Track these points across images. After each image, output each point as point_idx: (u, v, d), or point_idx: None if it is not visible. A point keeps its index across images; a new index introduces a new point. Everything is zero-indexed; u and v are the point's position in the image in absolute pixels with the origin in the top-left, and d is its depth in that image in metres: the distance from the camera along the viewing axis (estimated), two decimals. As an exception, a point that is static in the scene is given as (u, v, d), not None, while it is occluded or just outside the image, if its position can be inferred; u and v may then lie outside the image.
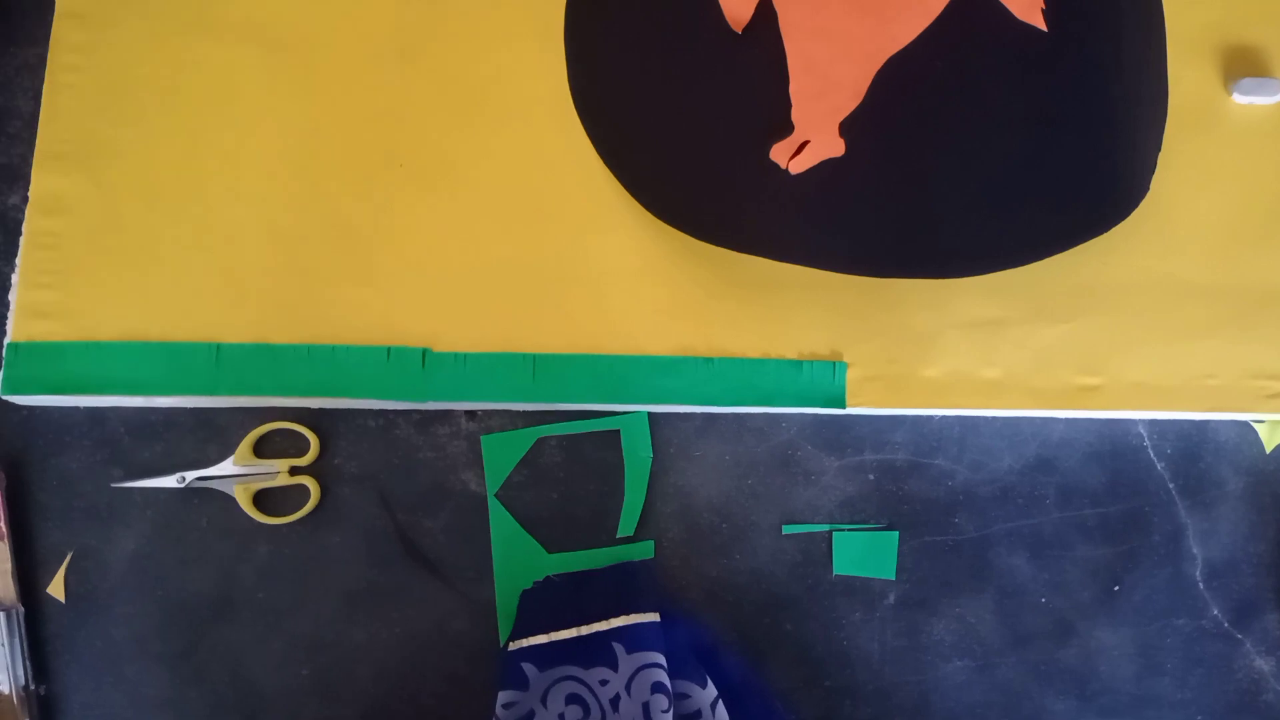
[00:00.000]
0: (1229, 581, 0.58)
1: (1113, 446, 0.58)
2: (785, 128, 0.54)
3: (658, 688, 0.51)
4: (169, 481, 0.55)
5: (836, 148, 0.54)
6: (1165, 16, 0.58)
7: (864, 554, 0.57)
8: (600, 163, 0.58)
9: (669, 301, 0.57)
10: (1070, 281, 0.58)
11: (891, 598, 0.57)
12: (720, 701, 0.53)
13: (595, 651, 0.52)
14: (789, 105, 0.54)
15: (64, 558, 0.55)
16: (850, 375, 0.57)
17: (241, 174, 0.58)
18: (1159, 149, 0.57)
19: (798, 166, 0.54)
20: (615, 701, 0.51)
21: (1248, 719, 0.57)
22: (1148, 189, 0.56)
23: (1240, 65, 0.61)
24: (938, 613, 0.57)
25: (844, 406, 0.56)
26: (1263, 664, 0.57)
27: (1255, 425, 0.59)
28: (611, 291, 0.58)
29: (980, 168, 0.53)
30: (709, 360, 0.57)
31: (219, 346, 0.55)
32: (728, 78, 0.56)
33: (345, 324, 0.56)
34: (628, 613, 0.53)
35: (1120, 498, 0.58)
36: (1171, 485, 0.58)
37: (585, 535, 0.56)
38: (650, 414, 0.58)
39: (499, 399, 0.56)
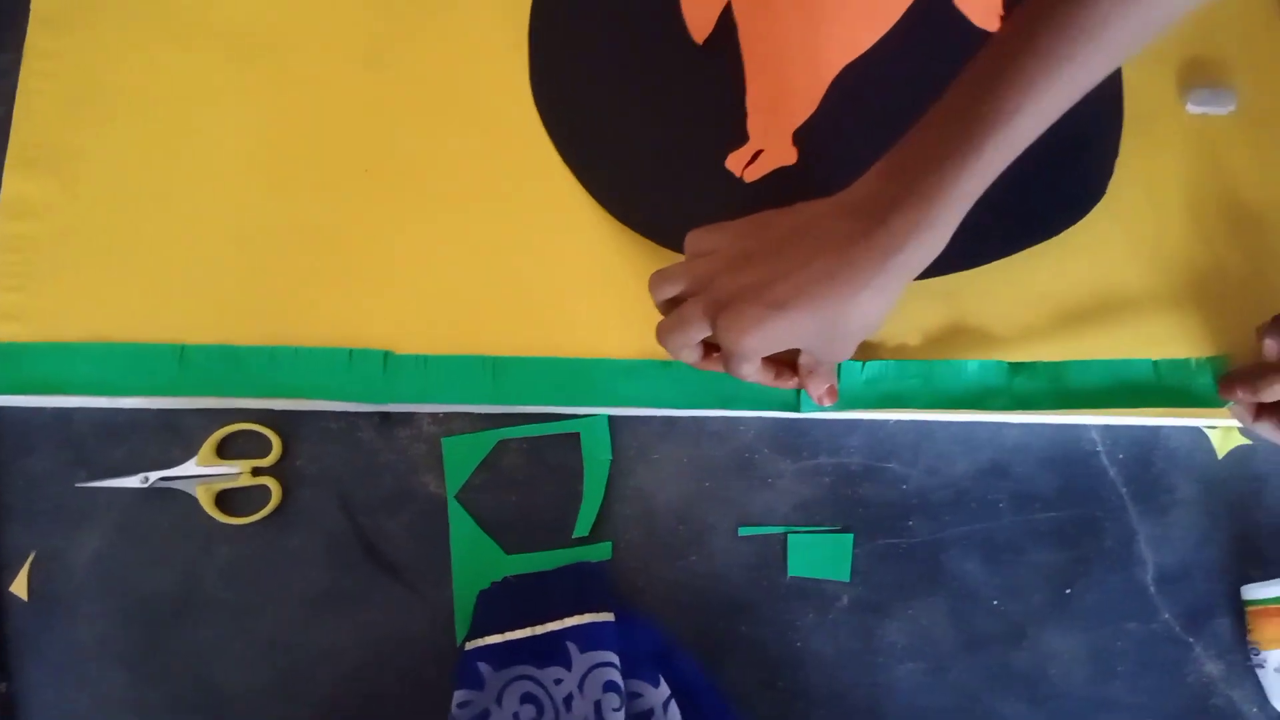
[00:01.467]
0: (1180, 586, 0.58)
1: (1065, 452, 0.59)
2: (742, 136, 0.55)
3: (610, 686, 0.51)
4: (133, 482, 0.56)
5: (789, 156, 0.55)
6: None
7: (819, 556, 0.57)
8: (564, 167, 0.59)
9: (630, 305, 0.58)
10: (1026, 287, 0.59)
11: (845, 600, 0.57)
12: (673, 701, 0.53)
13: (549, 651, 0.53)
14: (746, 115, 0.55)
15: (27, 557, 0.56)
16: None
17: (208, 179, 0.59)
18: (1115, 155, 0.58)
19: (751, 175, 0.55)
20: (568, 700, 0.52)
21: (1198, 722, 0.58)
22: (1104, 193, 0.57)
23: (1194, 75, 0.62)
24: (891, 615, 0.57)
25: (798, 410, 0.57)
26: (1213, 668, 0.58)
27: (1208, 431, 0.60)
28: (573, 295, 0.58)
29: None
30: (668, 364, 0.57)
31: (183, 348, 0.56)
32: (689, 87, 0.57)
33: (308, 326, 0.57)
34: (582, 612, 0.53)
35: (1073, 503, 0.59)
36: (1124, 490, 0.59)
37: (544, 537, 0.57)
38: (610, 417, 0.58)
39: (459, 401, 0.57)
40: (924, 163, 0.41)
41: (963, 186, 0.41)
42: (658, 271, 0.48)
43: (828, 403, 0.53)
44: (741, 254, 0.45)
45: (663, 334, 0.48)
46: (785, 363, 0.52)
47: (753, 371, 0.48)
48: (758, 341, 0.43)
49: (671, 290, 0.47)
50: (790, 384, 0.52)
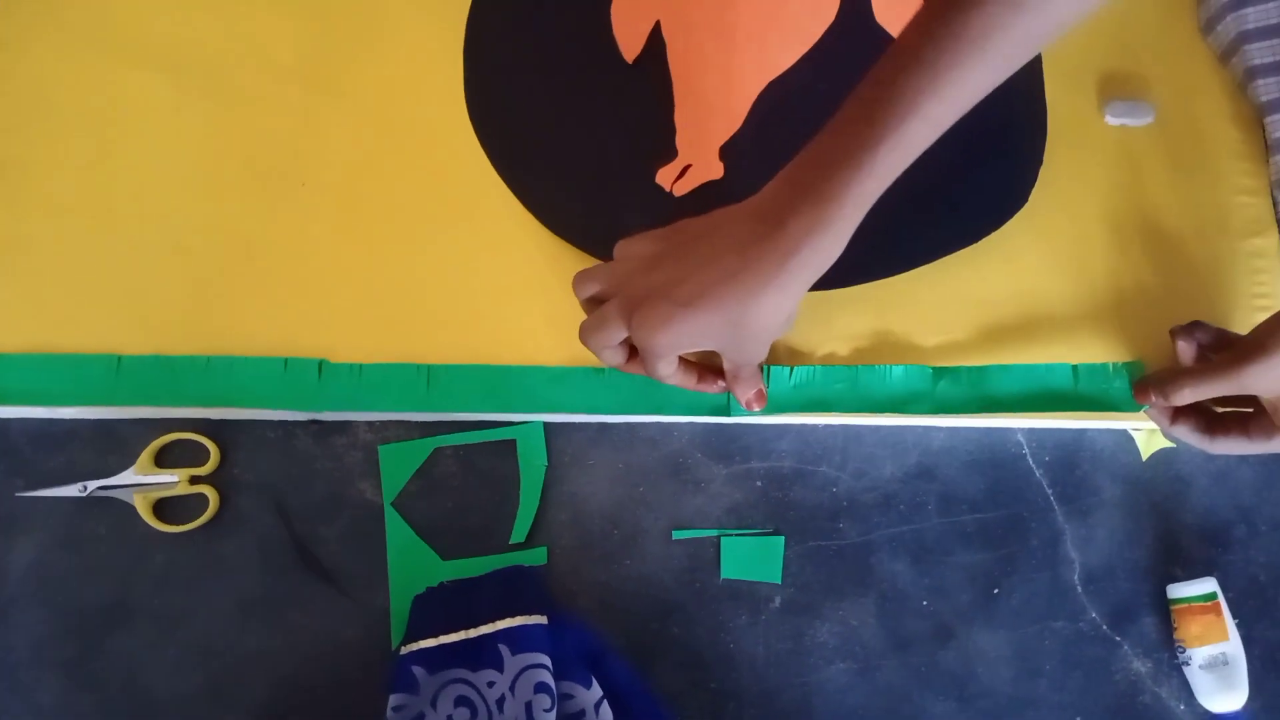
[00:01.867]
0: (1106, 585, 0.60)
1: (992, 455, 0.60)
2: (671, 152, 0.57)
3: (541, 688, 0.52)
4: (71, 491, 0.57)
5: (715, 171, 0.56)
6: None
7: (750, 559, 0.58)
8: (498, 180, 0.60)
9: (562, 313, 0.59)
10: (950, 294, 0.60)
11: (777, 602, 0.58)
12: (605, 702, 0.54)
13: (482, 653, 0.53)
14: (674, 131, 0.57)
15: (-35, 566, 0.56)
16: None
17: (146, 192, 0.60)
18: (1040, 164, 0.59)
19: (680, 189, 0.56)
20: (500, 702, 0.52)
21: (1125, 720, 0.59)
22: (1025, 200, 0.58)
23: (1113, 89, 0.64)
24: (821, 616, 0.58)
25: (729, 415, 0.58)
26: (1140, 665, 0.59)
27: (1133, 433, 0.61)
28: (506, 303, 0.59)
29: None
30: (600, 370, 0.58)
31: (119, 358, 0.57)
32: (620, 104, 0.58)
33: (244, 336, 0.58)
34: (514, 615, 0.54)
35: (1000, 504, 0.60)
36: (1050, 492, 0.60)
37: (479, 543, 0.58)
38: (545, 424, 0.59)
39: (394, 409, 0.58)
40: (820, 169, 0.43)
41: (856, 190, 0.42)
42: (581, 271, 0.49)
43: (756, 408, 0.54)
44: (656, 256, 0.46)
45: (584, 333, 0.49)
46: (708, 366, 0.53)
47: (671, 373, 0.49)
48: (667, 338, 0.45)
49: (592, 289, 0.49)
50: (714, 388, 0.53)
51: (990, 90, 0.42)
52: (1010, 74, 0.42)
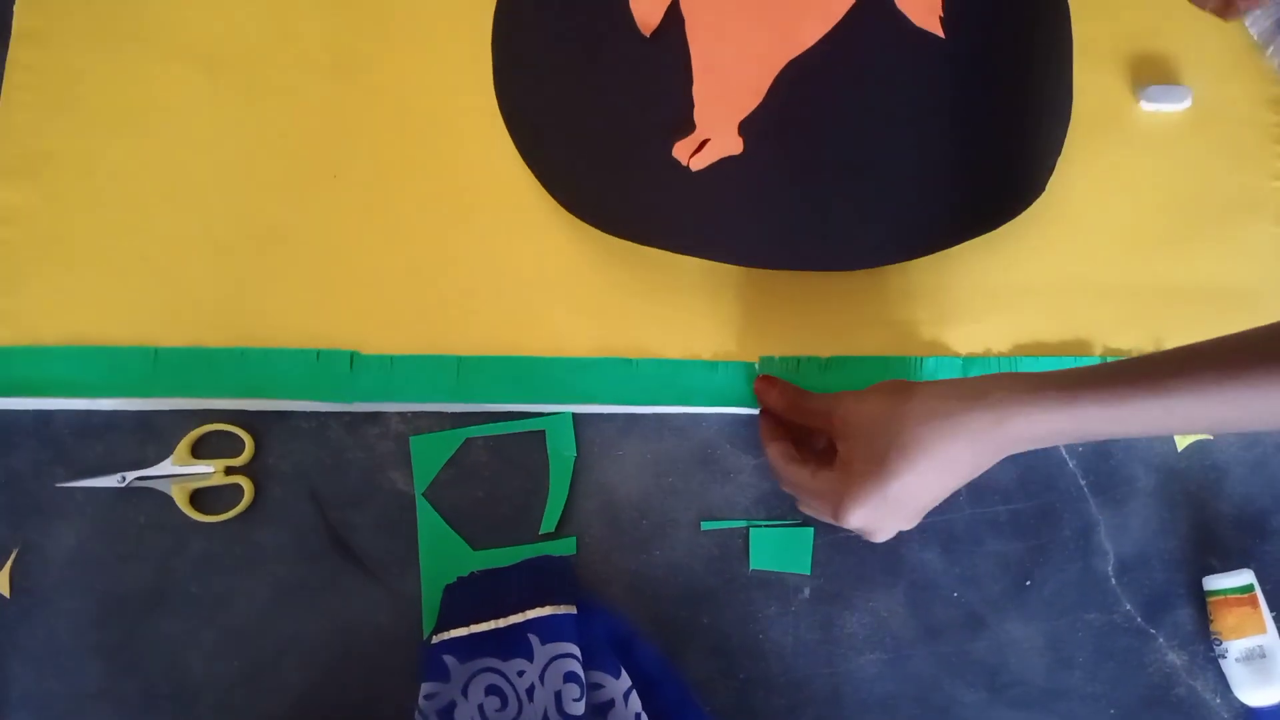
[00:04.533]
0: (1140, 576, 0.59)
1: (1023, 444, 0.59)
2: (689, 126, 0.57)
3: (570, 677, 0.52)
4: (110, 481, 0.58)
5: (735, 146, 0.56)
6: (1073, 26, 0.60)
7: (780, 549, 0.58)
8: (524, 166, 0.61)
9: (591, 303, 0.60)
10: (978, 282, 0.60)
11: (806, 592, 0.58)
12: (634, 692, 0.54)
13: (512, 643, 0.54)
14: (692, 105, 0.57)
15: (10, 554, 0.57)
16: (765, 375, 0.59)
17: (181, 185, 0.61)
18: (1058, 152, 0.59)
19: (698, 164, 0.56)
20: (530, 691, 0.53)
21: (1159, 712, 0.58)
22: (1043, 189, 0.58)
23: (1148, 73, 0.63)
24: (851, 606, 0.58)
25: (756, 406, 0.58)
26: (1175, 658, 0.58)
27: (1167, 423, 0.60)
28: (536, 294, 0.60)
29: (875, 166, 0.55)
30: (630, 360, 0.59)
31: (157, 350, 0.58)
32: (637, 79, 0.58)
33: (278, 328, 0.59)
34: (544, 605, 0.54)
35: (1032, 494, 0.59)
36: (1083, 482, 0.60)
37: (509, 532, 0.58)
38: (574, 414, 0.59)
39: (425, 399, 0.58)
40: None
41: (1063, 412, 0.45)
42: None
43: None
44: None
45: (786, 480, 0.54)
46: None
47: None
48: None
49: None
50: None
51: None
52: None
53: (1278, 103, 0.63)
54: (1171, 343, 0.59)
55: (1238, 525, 0.59)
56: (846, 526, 0.49)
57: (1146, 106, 0.62)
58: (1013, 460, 0.57)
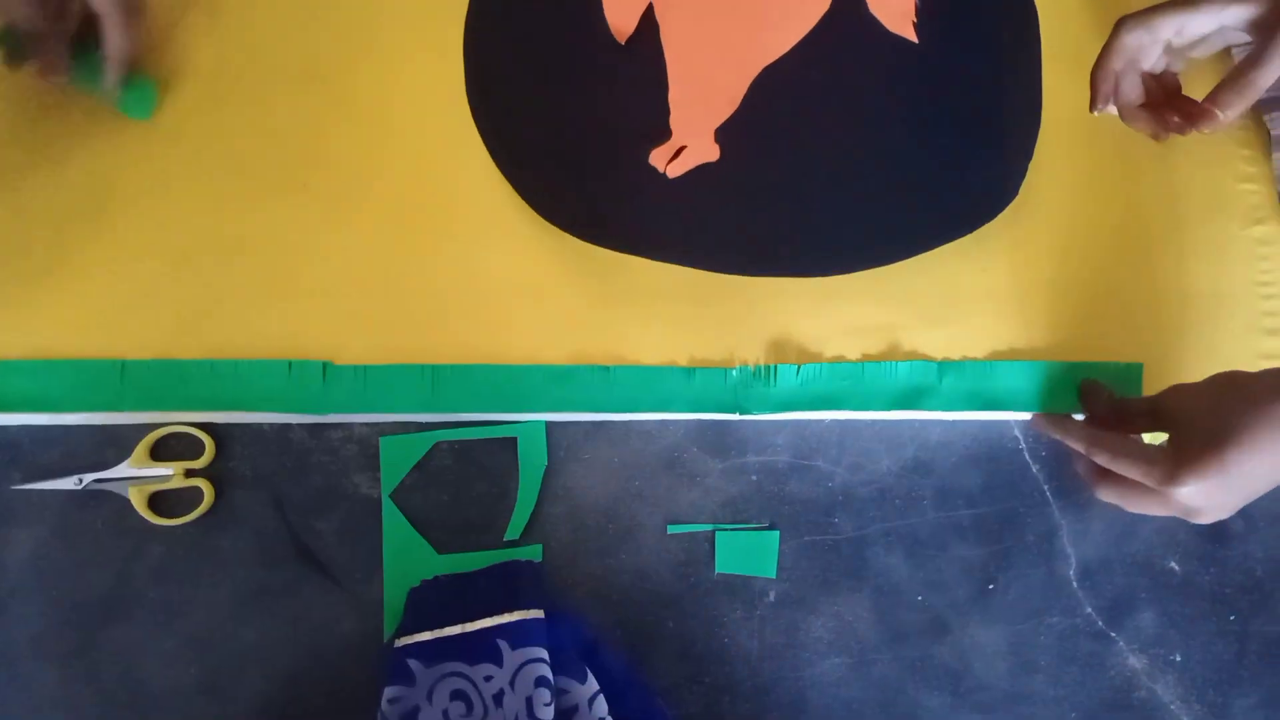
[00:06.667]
0: (1102, 581, 0.59)
1: (989, 449, 0.60)
2: (665, 134, 0.56)
3: (541, 682, 0.52)
4: (67, 483, 0.57)
5: (711, 153, 0.56)
6: (1041, 32, 0.60)
7: (745, 553, 0.58)
8: (498, 173, 0.60)
9: (567, 310, 0.59)
10: (953, 287, 0.60)
11: (771, 596, 0.58)
12: (600, 697, 0.54)
13: (480, 648, 0.54)
14: (668, 112, 0.56)
15: (-38, 559, 0.56)
16: (741, 380, 0.58)
17: (148, 197, 0.59)
18: (1030, 157, 0.59)
19: (675, 171, 0.56)
20: (499, 697, 0.52)
21: (1120, 715, 0.59)
22: (1015, 194, 0.58)
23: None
24: (816, 611, 0.58)
25: (733, 412, 0.58)
26: (1135, 661, 0.59)
27: (1130, 429, 0.61)
28: (511, 302, 0.59)
29: (850, 172, 0.55)
30: (606, 368, 0.58)
31: (123, 363, 0.57)
32: (612, 86, 0.58)
33: (248, 340, 0.58)
34: (513, 610, 0.54)
35: (996, 499, 0.60)
36: (1046, 487, 0.60)
37: (475, 537, 0.58)
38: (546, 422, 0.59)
39: (399, 410, 0.58)
40: None
41: None
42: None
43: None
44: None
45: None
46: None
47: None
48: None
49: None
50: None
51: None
52: None
53: (1243, 110, 0.63)
54: (1140, 345, 0.59)
55: (1198, 530, 0.60)
56: (1176, 498, 0.48)
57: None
58: (976, 465, 0.58)
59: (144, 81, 0.59)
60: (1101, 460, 0.51)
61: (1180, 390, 0.52)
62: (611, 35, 0.57)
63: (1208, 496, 0.48)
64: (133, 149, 0.60)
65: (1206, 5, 0.52)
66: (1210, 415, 0.48)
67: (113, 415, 0.57)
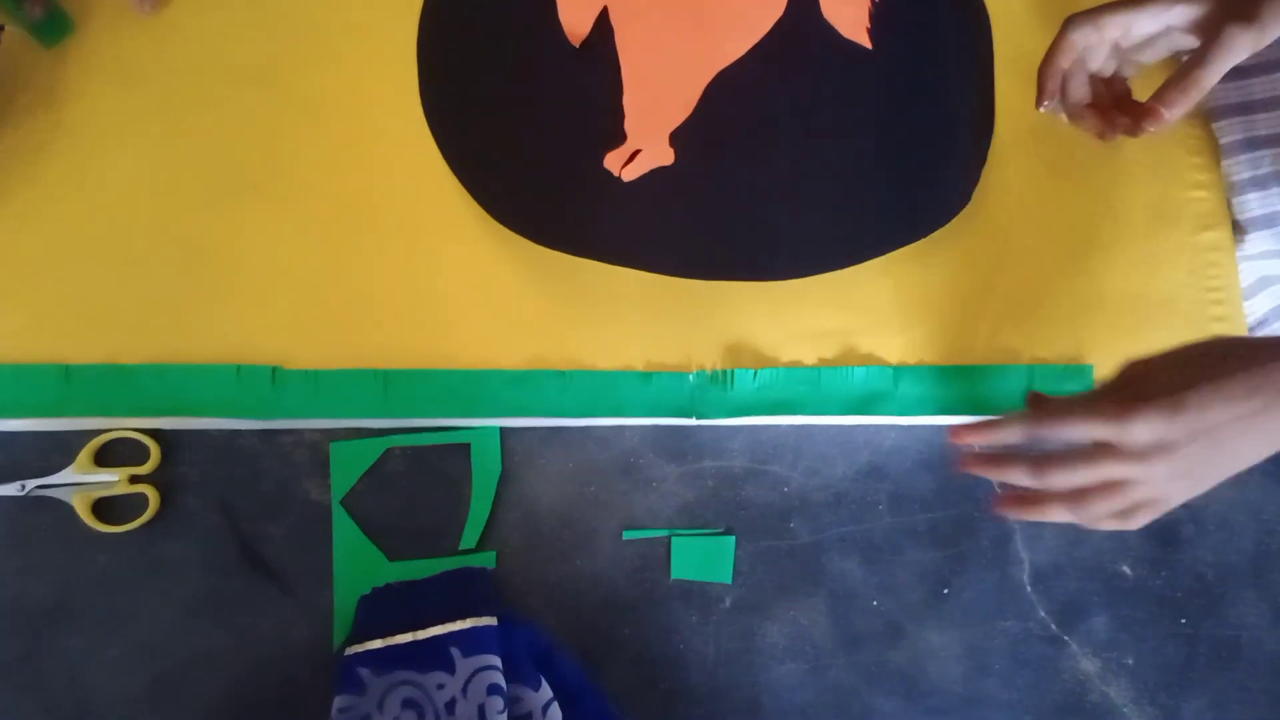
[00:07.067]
0: (1055, 585, 0.60)
1: (943, 454, 0.60)
2: (620, 137, 0.56)
3: (494, 689, 0.52)
4: (10, 490, 0.56)
5: (666, 157, 0.56)
6: (995, 40, 0.61)
7: (701, 558, 0.58)
8: (452, 176, 0.59)
9: (522, 315, 0.59)
10: (907, 292, 0.61)
11: (727, 601, 0.58)
12: (554, 704, 0.54)
13: (432, 656, 0.53)
14: (623, 116, 0.56)
15: (-100, 567, 0.55)
16: (698, 385, 0.58)
17: (94, 197, 0.58)
18: (983, 163, 0.59)
19: (629, 174, 0.55)
20: (451, 705, 0.52)
21: (1074, 719, 0.59)
22: (969, 199, 0.58)
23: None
24: (772, 616, 0.58)
25: (690, 416, 0.58)
26: (1088, 665, 0.59)
27: (1083, 433, 0.61)
28: (466, 306, 0.59)
29: (804, 176, 0.55)
30: (561, 373, 0.58)
31: (68, 368, 0.56)
32: (566, 90, 0.57)
33: (197, 343, 0.57)
34: (465, 617, 0.54)
35: (950, 504, 0.60)
36: (999, 491, 0.60)
37: (427, 544, 0.57)
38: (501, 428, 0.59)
39: (350, 415, 0.57)
40: None
41: None
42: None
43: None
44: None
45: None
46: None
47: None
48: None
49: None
50: None
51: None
52: None
53: (1194, 116, 0.64)
54: (1092, 351, 0.60)
55: (1149, 534, 0.61)
56: (1130, 440, 0.45)
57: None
58: (931, 470, 0.58)
59: (61, 12, 0.58)
60: (1049, 428, 0.48)
61: (1145, 357, 0.49)
62: (566, 39, 0.57)
63: (1162, 435, 0.44)
64: (81, 149, 0.59)
65: (1152, 5, 0.52)
66: (1176, 365, 0.46)
67: (57, 421, 0.56)
